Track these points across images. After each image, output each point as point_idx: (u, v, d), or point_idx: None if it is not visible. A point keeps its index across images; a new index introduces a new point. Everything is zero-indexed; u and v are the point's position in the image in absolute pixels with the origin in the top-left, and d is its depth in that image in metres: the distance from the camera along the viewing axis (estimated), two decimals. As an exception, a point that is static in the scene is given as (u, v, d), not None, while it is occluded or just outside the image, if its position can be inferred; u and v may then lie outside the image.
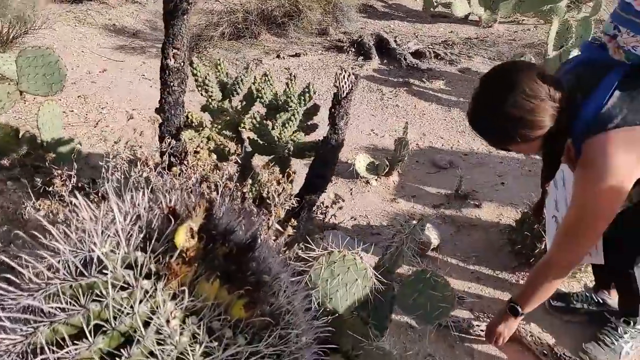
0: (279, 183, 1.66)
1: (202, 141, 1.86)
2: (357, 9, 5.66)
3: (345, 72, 1.64)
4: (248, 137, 2.04)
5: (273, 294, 1.03)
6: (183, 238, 0.91)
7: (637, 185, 1.44)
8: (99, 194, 1.37)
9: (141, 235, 0.93)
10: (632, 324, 1.92)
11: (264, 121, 1.81)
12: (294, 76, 1.98)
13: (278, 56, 4.65)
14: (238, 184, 1.72)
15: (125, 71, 4.17)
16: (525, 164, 3.10)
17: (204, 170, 1.58)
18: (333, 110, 1.66)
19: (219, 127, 1.87)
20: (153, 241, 0.91)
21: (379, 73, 4.33)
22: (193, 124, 1.88)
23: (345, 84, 1.63)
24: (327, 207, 1.84)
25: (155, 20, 5.23)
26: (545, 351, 1.81)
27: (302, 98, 1.94)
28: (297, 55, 4.68)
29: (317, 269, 1.47)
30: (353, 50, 4.71)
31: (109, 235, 0.93)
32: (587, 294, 2.10)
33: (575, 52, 3.40)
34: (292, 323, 1.05)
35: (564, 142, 1.46)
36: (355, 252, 1.49)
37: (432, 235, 2.47)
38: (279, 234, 1.44)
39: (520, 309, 1.72)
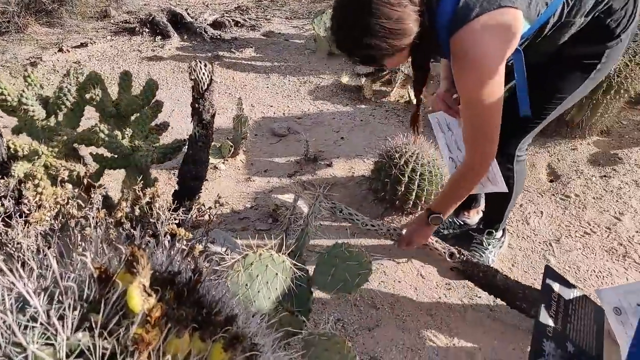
0: (155, 197, 1.46)
1: (37, 172, 1.53)
2: (134, -16, 5.20)
3: (200, 62, 1.48)
4: (90, 153, 1.74)
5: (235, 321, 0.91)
6: (139, 300, 0.73)
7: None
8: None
9: (76, 313, 0.73)
10: (493, 233, 2.20)
11: (113, 132, 1.56)
12: (128, 74, 1.73)
13: (60, 49, 4.06)
14: (105, 211, 1.47)
15: None
16: (356, 116, 3.26)
17: (63, 207, 1.31)
18: (197, 105, 1.50)
19: (56, 150, 1.55)
20: (102, 315, 0.71)
21: (183, 51, 4.08)
22: (19, 155, 1.53)
23: (204, 75, 1.47)
24: (209, 208, 1.69)
25: None
26: (452, 251, 1.91)
27: (144, 97, 1.71)
28: (83, 45, 4.15)
29: (233, 277, 1.35)
30: (147, 30, 4.34)
31: (27, 325, 0.71)
32: (450, 220, 2.33)
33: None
34: (260, 344, 0.95)
35: (430, 47, 1.47)
36: (270, 248, 1.40)
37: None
38: (187, 252, 1.27)
39: (442, 216, 1.80)
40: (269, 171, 2.82)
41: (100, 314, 0.73)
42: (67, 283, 0.75)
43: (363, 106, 3.36)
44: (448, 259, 1.80)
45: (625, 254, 2.29)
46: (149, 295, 0.76)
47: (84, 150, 1.79)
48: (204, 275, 0.92)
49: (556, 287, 1.29)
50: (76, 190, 1.26)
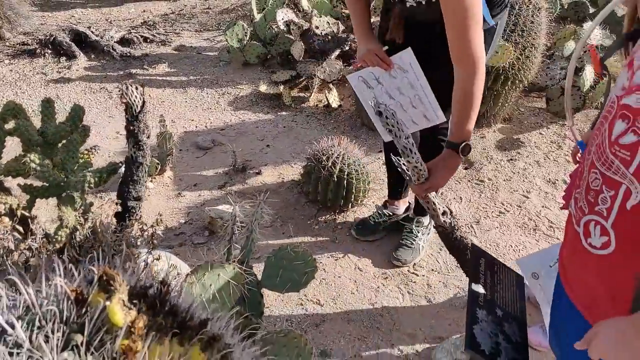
0: (99, 221, 1.46)
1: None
2: (29, 2, 4.96)
3: (131, 85, 1.50)
4: (18, 184, 1.69)
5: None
6: (121, 314, 0.77)
7: None
8: None
9: (59, 334, 0.76)
10: (422, 221, 2.37)
11: (44, 161, 1.53)
12: (50, 101, 1.71)
13: (-47, 78, 3.80)
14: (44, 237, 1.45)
15: None
16: (279, 123, 3.34)
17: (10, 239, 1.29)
18: (132, 127, 1.51)
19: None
20: (85, 334, 0.75)
21: (92, 71, 3.96)
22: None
23: (136, 97, 1.49)
24: (152, 225, 1.70)
25: None
26: (446, 210, 1.86)
27: (72, 122, 1.70)
28: (-21, 71, 3.90)
29: (188, 289, 1.38)
30: (49, 51, 4.16)
31: (11, 352, 0.73)
32: (380, 212, 2.47)
33: (279, 11, 3.72)
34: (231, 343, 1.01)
35: None
36: (219, 258, 1.45)
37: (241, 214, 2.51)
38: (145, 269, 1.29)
39: (469, 142, 1.64)
40: (199, 185, 2.83)
41: (85, 333, 0.76)
42: (47, 307, 0.77)
43: (284, 113, 3.45)
44: (440, 216, 1.79)
45: (535, 228, 2.55)
46: (130, 308, 0.80)
47: (10, 182, 1.73)
48: (172, 287, 0.97)
49: (482, 261, 1.45)
50: (10, 222, 1.24)
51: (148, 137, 1.57)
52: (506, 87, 3.06)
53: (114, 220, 1.50)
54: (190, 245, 2.42)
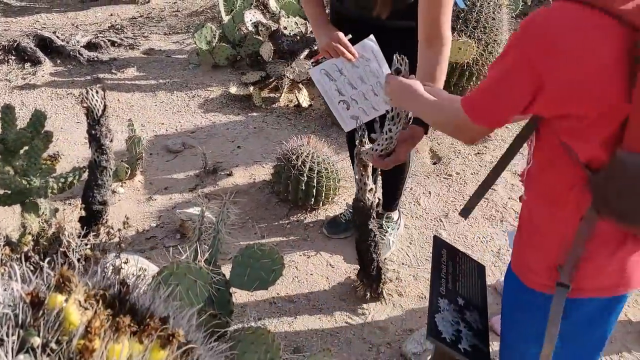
0: (62, 226, 1.46)
1: None
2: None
3: (91, 89, 1.50)
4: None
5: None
6: (77, 314, 0.78)
7: None
8: None
9: (14, 337, 0.76)
10: (391, 217, 2.41)
11: (4, 168, 1.52)
12: (10, 107, 1.69)
13: None
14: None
15: None
16: (249, 124, 3.35)
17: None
18: (94, 131, 1.51)
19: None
20: (41, 336, 0.76)
21: (59, 76, 3.91)
22: None
23: (97, 102, 1.49)
24: (119, 229, 1.69)
25: None
26: (372, 187, 1.86)
27: (33, 128, 1.69)
28: (-59, 79, 3.82)
29: (151, 289, 1.39)
30: (13, 57, 4.09)
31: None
32: (350, 210, 2.50)
33: (247, 13, 3.73)
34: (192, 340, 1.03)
35: None
36: (185, 258, 1.46)
37: (206, 214, 2.51)
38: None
39: None
40: (170, 188, 2.82)
41: (40, 335, 0.77)
42: (1, 311, 0.78)
43: (254, 114, 3.45)
44: (367, 192, 1.80)
45: (502, 219, 2.62)
46: (86, 308, 0.81)
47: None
48: (132, 287, 0.98)
49: (444, 252, 1.49)
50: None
51: (111, 141, 1.57)
52: (471, 83, 3.12)
53: (79, 225, 1.50)
54: (161, 248, 2.42)
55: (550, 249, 1.13)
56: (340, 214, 2.54)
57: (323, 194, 2.56)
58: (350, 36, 1.85)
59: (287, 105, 3.55)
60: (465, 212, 1.26)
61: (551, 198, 1.12)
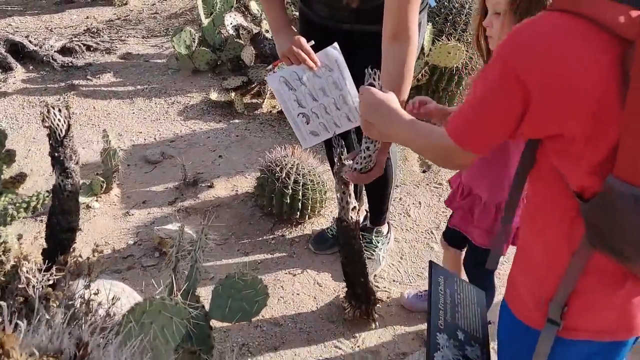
0: (21, 260, 1.32)
1: None
2: (-40, 13, 4.66)
3: (53, 108, 1.36)
4: None
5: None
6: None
7: None
8: None
9: None
10: (382, 232, 2.30)
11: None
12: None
13: None
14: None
15: None
16: (231, 132, 3.22)
17: None
18: (56, 154, 1.38)
19: None
20: None
21: (32, 83, 3.73)
22: None
23: (59, 121, 1.36)
24: (88, 258, 1.56)
25: None
26: (355, 206, 1.79)
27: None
28: None
29: (126, 331, 1.26)
30: (-17, 64, 3.90)
31: None
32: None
33: (228, 16, 3.60)
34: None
35: None
36: (159, 294, 1.34)
37: (186, 231, 2.38)
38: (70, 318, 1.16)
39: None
40: (148, 202, 2.68)
41: None
42: None
43: (237, 121, 3.32)
44: (350, 211, 1.71)
45: (495, 230, 2.52)
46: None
47: None
48: (90, 348, 0.85)
49: (441, 280, 1.38)
50: None
51: (77, 164, 1.43)
52: (460, 88, 3.03)
53: (42, 256, 1.36)
54: (139, 269, 2.28)
55: (542, 280, 1.04)
56: (327, 228, 2.42)
57: (309, 207, 2.45)
58: (313, 42, 1.72)
59: (270, 111, 3.42)
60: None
61: (544, 225, 1.03)
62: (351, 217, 1.76)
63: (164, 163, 2.97)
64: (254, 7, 3.76)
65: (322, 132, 1.81)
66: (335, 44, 1.69)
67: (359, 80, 1.65)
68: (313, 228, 2.50)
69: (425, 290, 2.15)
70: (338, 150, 1.62)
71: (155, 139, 3.19)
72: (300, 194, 2.40)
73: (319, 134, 1.81)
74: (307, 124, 1.78)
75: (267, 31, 3.47)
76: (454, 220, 1.73)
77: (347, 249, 1.83)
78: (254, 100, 3.50)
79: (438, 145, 1.05)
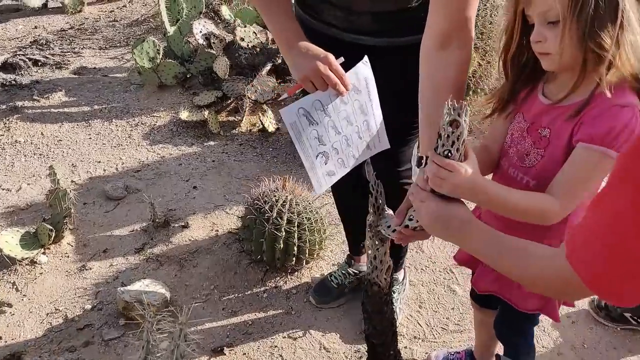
0: None
1: None
2: None
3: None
4: None
5: None
6: None
7: None
8: None
9: None
10: (397, 278, 1.91)
11: None
12: None
13: None
14: None
15: None
16: (207, 157, 2.78)
17: None
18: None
19: None
20: None
21: (-33, 107, 3.21)
22: None
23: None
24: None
25: None
26: (391, 265, 1.45)
27: None
28: None
29: None
30: None
31: None
32: (343, 271, 1.98)
33: (196, 23, 3.15)
34: None
35: None
36: None
37: (158, 289, 1.94)
38: None
39: None
40: (110, 250, 2.22)
41: None
42: None
43: (212, 143, 2.88)
44: (385, 271, 1.35)
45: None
46: None
47: None
48: None
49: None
50: None
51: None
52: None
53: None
54: (100, 344, 1.83)
55: None
56: (330, 274, 2.01)
57: (306, 252, 2.03)
58: (342, 59, 1.30)
59: (250, 130, 2.99)
60: None
61: None
62: (385, 278, 1.36)
63: (129, 199, 2.50)
64: (226, 12, 3.33)
65: (339, 170, 1.40)
66: (366, 58, 1.29)
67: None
68: (312, 275, 2.09)
69: (457, 352, 1.77)
70: (374, 196, 1.21)
71: (116, 169, 2.72)
72: (295, 236, 1.98)
73: (335, 172, 1.39)
74: (326, 164, 1.35)
75: (241, 39, 3.04)
76: (483, 284, 1.36)
77: (377, 317, 1.43)
78: (231, 118, 3.06)
79: (552, 276, 0.79)
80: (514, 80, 1.15)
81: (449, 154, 0.95)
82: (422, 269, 2.16)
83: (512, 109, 1.20)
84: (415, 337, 1.89)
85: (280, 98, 2.91)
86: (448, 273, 2.13)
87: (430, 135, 1.14)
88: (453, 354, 1.76)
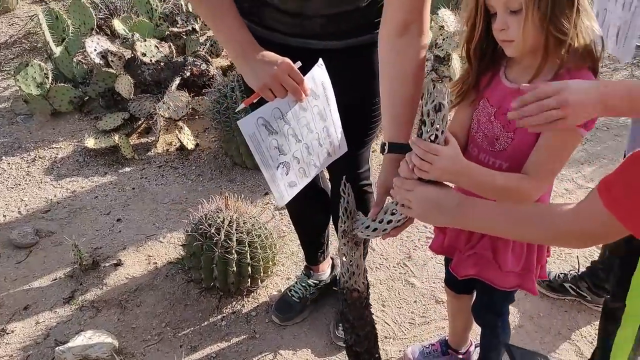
0: None
1: None
2: None
3: None
4: None
5: None
6: None
7: None
8: None
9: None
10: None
11: None
12: None
13: None
14: None
15: None
16: (125, 185, 2.54)
17: None
18: None
19: None
20: None
21: None
22: None
23: None
24: None
25: None
26: (366, 268, 1.43)
27: None
28: None
29: None
30: None
31: None
32: (302, 284, 1.90)
33: (89, 41, 2.87)
34: None
35: None
36: None
37: (104, 340, 1.73)
38: None
39: None
40: (32, 306, 1.94)
41: None
42: None
43: (127, 169, 2.65)
44: (362, 275, 1.32)
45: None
46: None
47: None
48: None
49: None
50: None
51: None
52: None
53: None
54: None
55: None
56: (289, 289, 1.92)
57: (261, 270, 1.92)
58: (300, 64, 1.23)
59: (168, 150, 2.79)
60: None
61: None
62: (363, 282, 1.31)
63: (42, 244, 2.21)
64: (119, 27, 3.07)
65: (300, 180, 1.32)
66: (321, 61, 1.22)
67: None
68: (270, 293, 1.98)
69: (431, 343, 1.77)
70: (346, 200, 1.16)
71: (19, 212, 2.40)
72: (248, 256, 1.86)
73: (297, 183, 1.31)
74: (287, 174, 1.27)
75: (143, 54, 2.83)
76: (463, 269, 1.37)
77: (359, 324, 1.37)
78: (144, 140, 2.83)
79: (587, 226, 0.84)
80: (477, 67, 1.16)
81: (434, 139, 0.97)
82: (376, 267, 2.13)
83: (476, 96, 1.21)
84: (385, 337, 1.86)
85: (237, 110, 2.74)
86: (402, 267, 2.13)
87: (392, 122, 1.17)
88: (428, 347, 1.76)
